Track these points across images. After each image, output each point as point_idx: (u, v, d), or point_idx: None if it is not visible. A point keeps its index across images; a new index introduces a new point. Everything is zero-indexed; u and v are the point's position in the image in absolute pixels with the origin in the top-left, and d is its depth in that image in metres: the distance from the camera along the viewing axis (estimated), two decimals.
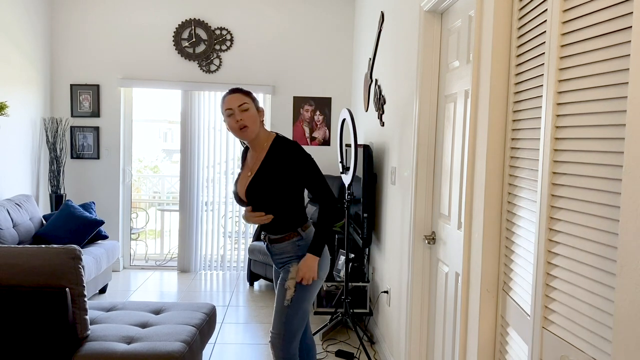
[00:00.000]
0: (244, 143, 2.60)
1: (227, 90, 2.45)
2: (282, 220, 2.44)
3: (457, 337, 2.39)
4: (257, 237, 5.43)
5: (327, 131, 5.86)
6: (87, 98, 5.63)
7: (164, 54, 5.68)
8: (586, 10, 1.26)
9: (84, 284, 2.49)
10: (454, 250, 2.44)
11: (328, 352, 3.74)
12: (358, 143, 4.78)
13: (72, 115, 5.63)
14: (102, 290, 4.96)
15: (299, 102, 5.82)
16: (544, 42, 1.49)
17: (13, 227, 4.26)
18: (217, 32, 5.69)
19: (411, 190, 2.93)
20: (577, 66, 1.30)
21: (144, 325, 2.83)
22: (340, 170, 3.97)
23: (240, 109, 2.38)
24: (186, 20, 5.66)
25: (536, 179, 1.54)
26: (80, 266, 2.47)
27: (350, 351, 3.72)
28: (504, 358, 1.77)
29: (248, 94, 2.44)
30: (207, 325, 2.97)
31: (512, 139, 1.77)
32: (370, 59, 4.43)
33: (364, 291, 4.23)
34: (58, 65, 5.61)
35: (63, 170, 5.54)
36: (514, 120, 1.76)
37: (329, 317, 4.30)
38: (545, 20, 1.48)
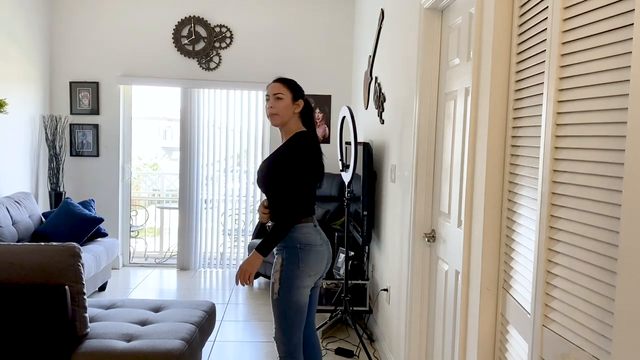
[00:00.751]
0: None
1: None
2: (277, 211, 2.47)
3: (457, 335, 2.39)
4: (256, 235, 5.43)
5: (327, 129, 5.86)
6: (87, 95, 5.62)
7: (163, 51, 5.67)
8: (587, 8, 1.26)
9: (84, 282, 2.49)
10: (454, 248, 2.44)
11: (328, 349, 3.74)
12: (358, 141, 4.77)
13: (71, 113, 5.63)
14: (102, 288, 4.96)
15: None
16: (545, 40, 1.49)
17: (12, 224, 4.25)
18: (217, 29, 5.68)
19: (411, 188, 2.93)
20: (579, 64, 1.30)
21: (143, 323, 2.83)
22: (340, 168, 3.97)
23: (275, 97, 2.47)
24: (186, 17, 5.64)
25: (537, 176, 1.54)
26: (79, 264, 2.47)
27: (349, 349, 3.73)
28: (504, 357, 1.77)
29: (289, 85, 2.50)
30: (206, 322, 2.97)
31: (513, 136, 1.76)
32: (370, 56, 4.42)
33: (364, 289, 4.22)
34: (57, 63, 5.60)
35: (62, 168, 5.54)
36: (514, 118, 1.76)
37: (328, 315, 4.30)
38: (546, 18, 1.48)
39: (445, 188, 2.61)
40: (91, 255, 4.39)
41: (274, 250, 2.52)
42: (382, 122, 3.87)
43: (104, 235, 4.97)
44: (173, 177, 7.78)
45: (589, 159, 1.24)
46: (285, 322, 2.41)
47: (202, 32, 5.67)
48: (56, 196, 5.40)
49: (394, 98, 3.50)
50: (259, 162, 5.88)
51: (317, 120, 5.84)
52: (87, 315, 2.54)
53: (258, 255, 2.41)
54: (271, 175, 2.44)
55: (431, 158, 2.83)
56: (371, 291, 4.23)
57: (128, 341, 2.58)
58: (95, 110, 5.63)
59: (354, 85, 5.66)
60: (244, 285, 2.46)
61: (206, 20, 5.65)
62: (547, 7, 1.48)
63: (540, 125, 1.51)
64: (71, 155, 5.66)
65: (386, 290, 3.62)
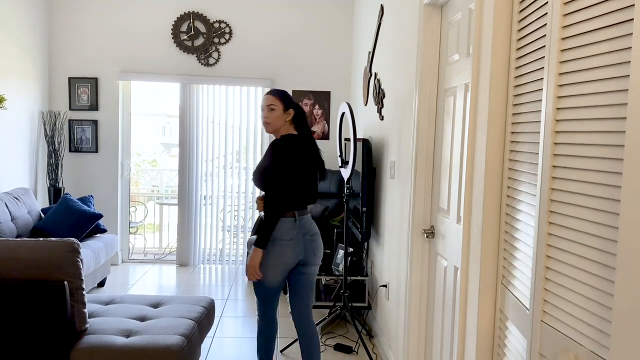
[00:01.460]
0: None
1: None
2: (267, 204, 2.66)
3: (455, 331, 2.40)
4: (255, 231, 5.43)
5: (326, 125, 5.85)
6: (86, 91, 5.61)
7: (162, 47, 5.66)
8: (587, 3, 1.25)
9: (83, 277, 2.49)
10: (453, 244, 2.44)
11: (327, 345, 3.75)
12: (357, 137, 4.77)
13: (70, 109, 5.62)
14: (101, 284, 4.96)
15: (298, 96, 5.80)
16: (545, 35, 1.48)
17: (11, 220, 4.25)
18: (216, 25, 5.67)
19: (410, 184, 2.93)
20: (578, 59, 1.29)
21: (142, 319, 2.83)
22: (339, 164, 3.96)
23: (268, 108, 2.80)
24: (185, 13, 5.63)
25: (536, 172, 1.53)
26: (78, 259, 2.47)
27: (349, 345, 3.73)
28: (503, 352, 1.78)
29: (281, 96, 2.81)
30: (205, 318, 2.97)
31: (512, 132, 1.76)
32: (369, 52, 4.41)
33: (363, 285, 4.23)
34: (56, 58, 5.58)
35: (61, 164, 5.53)
36: (514, 114, 1.75)
37: (327, 310, 4.31)
38: (546, 13, 1.47)
39: (444, 184, 2.61)
40: (90, 251, 4.39)
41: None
42: (382, 118, 3.87)
43: (103, 231, 4.97)
44: (172, 173, 7.77)
45: (588, 154, 1.24)
46: (262, 299, 2.80)
47: (201, 27, 5.66)
48: (55, 192, 5.39)
49: (393, 94, 3.50)
50: (258, 159, 5.89)
51: (317, 117, 5.84)
52: (86, 310, 2.54)
53: (257, 249, 2.65)
54: (262, 174, 2.69)
55: (430, 154, 2.83)
56: (370, 287, 4.23)
57: (127, 337, 2.58)
58: (94, 106, 5.62)
59: (353, 81, 5.65)
60: (256, 280, 2.71)
61: (205, 16, 5.64)
62: (547, 2, 1.47)
63: (540, 121, 1.51)
64: (70, 151, 5.65)
65: (385, 286, 3.63)
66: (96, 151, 5.67)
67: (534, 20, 1.58)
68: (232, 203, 5.94)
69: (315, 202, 3.20)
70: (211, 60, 5.70)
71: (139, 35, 5.64)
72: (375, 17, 4.27)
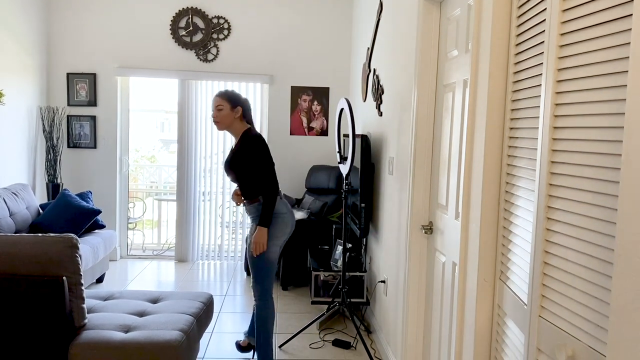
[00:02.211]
0: None
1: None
2: (249, 190, 3.09)
3: (453, 326, 2.40)
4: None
5: (325, 121, 5.85)
6: (84, 87, 5.60)
7: (161, 42, 5.65)
8: None
9: (81, 273, 2.49)
10: (451, 240, 2.45)
11: (325, 341, 3.76)
12: (356, 133, 4.76)
13: (68, 104, 5.61)
14: (100, 280, 4.96)
15: (296, 92, 5.79)
16: (544, 31, 1.48)
17: (10, 216, 4.25)
18: (215, 20, 5.65)
19: (409, 180, 2.93)
20: (577, 54, 1.29)
21: (141, 314, 2.83)
22: (338, 160, 3.96)
23: (216, 109, 3.08)
24: (183, 8, 5.62)
25: (534, 168, 1.54)
26: (77, 255, 2.47)
27: (347, 340, 3.74)
28: (501, 347, 1.78)
29: (226, 96, 3.10)
30: (204, 314, 2.98)
31: (511, 128, 1.76)
32: (368, 48, 4.41)
33: (361, 281, 4.24)
34: (54, 54, 5.57)
35: (60, 160, 5.53)
36: (512, 110, 1.75)
37: (326, 306, 4.32)
38: (545, 9, 1.47)
39: (442, 180, 2.62)
40: (89, 247, 4.39)
41: (251, 218, 3.19)
42: (381, 114, 3.86)
43: (102, 227, 4.96)
44: (171, 169, 7.77)
45: (586, 150, 1.24)
46: (260, 275, 3.07)
47: (200, 23, 5.64)
48: (53, 188, 5.39)
49: (392, 90, 3.49)
50: None
51: (315, 113, 5.83)
52: (84, 306, 2.55)
53: (262, 228, 2.99)
54: (242, 166, 3.06)
55: (429, 150, 2.83)
56: (369, 283, 4.24)
57: (126, 332, 2.58)
58: (92, 102, 5.61)
59: (352, 77, 5.65)
60: (261, 252, 3.02)
61: (204, 12, 5.63)
62: None
63: (538, 117, 1.51)
64: (68, 146, 5.64)
65: (383, 282, 3.63)
66: (95, 147, 5.67)
67: (533, 16, 1.58)
68: (231, 199, 5.93)
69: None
70: (210, 56, 5.69)
71: (138, 31, 5.62)
72: (374, 13, 4.26)
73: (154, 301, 3.05)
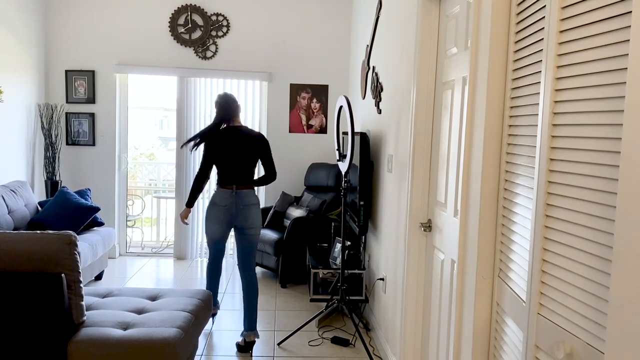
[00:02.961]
0: None
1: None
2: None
3: (452, 324, 2.40)
4: None
5: (324, 119, 5.85)
6: (83, 84, 5.59)
7: (159, 40, 5.64)
8: None
9: (80, 270, 2.49)
10: (450, 238, 2.45)
11: (324, 338, 3.76)
12: (355, 131, 4.76)
13: (67, 102, 5.60)
14: (98, 277, 4.96)
15: (295, 90, 5.79)
16: (543, 28, 1.48)
17: (8, 213, 4.24)
18: (214, 17, 5.64)
19: (408, 177, 2.93)
20: (577, 52, 1.29)
21: (140, 312, 2.83)
22: (337, 158, 3.96)
23: None
24: (182, 5, 5.61)
25: (533, 165, 1.54)
26: (75, 252, 2.46)
27: (346, 338, 3.74)
28: (499, 345, 1.78)
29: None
30: (202, 311, 2.98)
31: (510, 125, 1.76)
32: (367, 46, 4.40)
33: (360, 278, 4.24)
34: (53, 51, 5.56)
35: (58, 157, 5.52)
36: (511, 107, 1.75)
37: (325, 304, 4.32)
38: (545, 6, 1.47)
39: (441, 178, 2.62)
40: (87, 244, 4.39)
41: None
42: (380, 111, 3.86)
43: (101, 224, 4.96)
44: (169, 166, 7.76)
45: (586, 147, 1.24)
46: (207, 241, 3.76)
47: (199, 20, 5.63)
48: (52, 185, 5.38)
49: (391, 88, 3.49)
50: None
51: (314, 110, 5.83)
52: (83, 303, 2.55)
53: (186, 208, 3.76)
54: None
55: (428, 148, 2.83)
56: (367, 280, 4.24)
57: (124, 329, 2.58)
58: (91, 99, 5.61)
59: (351, 75, 5.64)
60: (184, 223, 3.81)
61: (203, 9, 5.62)
62: None
63: (538, 114, 1.51)
64: (67, 144, 5.63)
65: (382, 279, 3.63)
66: (93, 144, 5.66)
67: (533, 13, 1.58)
68: None
69: (250, 182, 3.60)
70: (208, 54, 5.68)
71: (136, 28, 5.61)
72: (373, 10, 4.25)
73: (153, 298, 3.05)
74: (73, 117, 5.61)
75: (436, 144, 2.74)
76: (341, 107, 3.95)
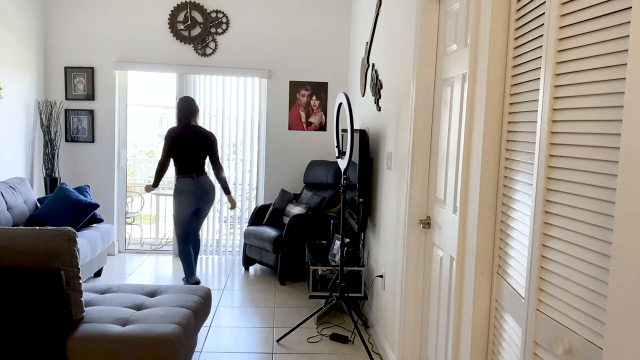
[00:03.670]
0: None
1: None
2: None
3: (451, 320, 2.41)
4: (252, 222, 5.43)
5: (324, 116, 5.84)
6: (82, 81, 5.58)
7: (159, 37, 5.63)
8: None
9: (79, 266, 2.49)
10: (449, 235, 2.45)
11: (323, 335, 3.76)
12: (354, 128, 4.75)
13: (66, 98, 5.59)
14: (97, 274, 4.96)
15: (295, 87, 5.79)
16: (543, 24, 1.48)
17: (7, 209, 4.24)
18: (213, 14, 5.63)
19: (407, 175, 2.93)
20: (576, 47, 1.29)
21: (139, 308, 2.83)
22: (337, 155, 3.96)
23: None
24: (182, 2, 5.60)
25: (533, 162, 1.54)
26: (75, 248, 2.46)
27: (344, 335, 3.75)
28: (498, 341, 1.79)
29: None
30: (202, 308, 2.98)
31: (509, 122, 1.76)
32: (367, 43, 4.40)
33: (359, 275, 4.24)
34: (52, 48, 5.55)
35: (57, 154, 5.51)
36: (511, 104, 1.75)
37: (323, 301, 4.32)
38: (544, 2, 1.47)
39: (441, 175, 2.62)
40: (86, 241, 4.38)
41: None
42: (379, 109, 3.86)
43: (100, 221, 4.96)
44: None
45: (585, 143, 1.24)
46: (175, 225, 4.56)
47: (198, 17, 5.62)
48: (51, 182, 5.38)
49: (391, 85, 3.49)
50: (256, 151, 5.89)
51: (314, 108, 5.82)
52: (82, 299, 2.55)
53: (151, 185, 4.59)
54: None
55: (427, 145, 2.83)
56: (366, 277, 4.24)
57: (123, 325, 2.58)
58: (90, 96, 5.60)
59: (350, 72, 5.64)
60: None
61: (202, 6, 5.61)
62: None
63: (537, 111, 1.51)
64: (66, 141, 5.63)
65: (381, 276, 3.64)
66: (92, 141, 5.65)
67: (532, 10, 1.58)
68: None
69: (203, 171, 4.55)
70: (208, 51, 5.67)
71: (136, 25, 5.60)
72: (373, 8, 4.25)
73: (152, 295, 3.05)
74: (72, 114, 5.61)
75: (435, 141, 2.74)
76: (341, 104, 3.95)
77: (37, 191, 5.49)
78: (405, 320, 2.94)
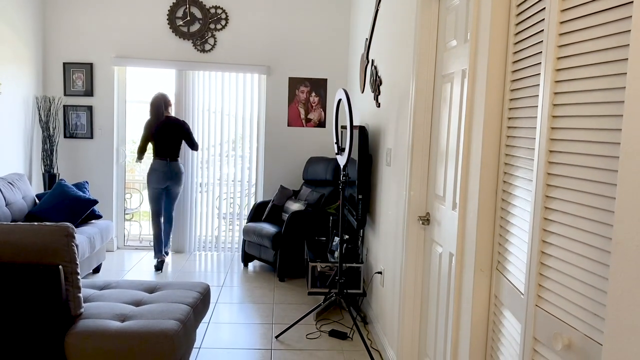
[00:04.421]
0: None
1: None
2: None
3: (450, 317, 2.41)
4: (251, 219, 5.43)
5: (323, 113, 5.83)
6: (81, 77, 5.57)
7: (158, 32, 5.61)
8: None
9: (77, 262, 2.49)
10: (448, 231, 2.45)
11: (322, 332, 3.76)
12: (354, 124, 4.75)
13: (65, 94, 5.57)
14: (96, 270, 4.96)
15: (294, 83, 5.77)
16: (543, 20, 1.48)
17: (6, 205, 4.23)
18: (212, 10, 5.62)
19: (406, 171, 2.92)
20: (577, 43, 1.29)
21: (138, 304, 2.83)
22: (336, 151, 3.95)
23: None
24: None
25: (532, 157, 1.53)
26: (73, 244, 2.46)
27: (343, 331, 3.75)
28: (497, 337, 1.79)
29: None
30: (201, 304, 2.98)
31: (509, 118, 1.76)
32: (366, 39, 4.39)
33: (358, 272, 4.24)
34: (51, 43, 5.53)
35: (56, 150, 5.50)
36: (511, 100, 1.75)
37: (322, 297, 4.32)
38: None
39: (440, 171, 2.61)
40: (85, 237, 4.38)
41: None
42: (378, 105, 3.85)
43: (99, 217, 4.95)
44: None
45: (585, 139, 1.24)
46: (149, 201, 5.17)
47: (197, 13, 5.61)
48: (50, 178, 5.37)
49: (390, 81, 3.48)
50: (255, 147, 5.88)
51: (313, 104, 5.81)
52: (81, 295, 2.54)
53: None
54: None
55: (427, 141, 2.83)
56: (365, 274, 4.24)
57: (122, 321, 2.58)
58: (89, 92, 5.58)
59: (350, 68, 5.63)
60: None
61: (201, 2, 5.59)
62: None
63: (537, 106, 1.50)
64: (65, 136, 5.62)
65: (380, 273, 3.64)
66: (91, 137, 5.64)
67: (533, 5, 1.57)
68: (228, 190, 5.93)
69: (178, 156, 5.15)
70: (207, 47, 5.66)
71: (135, 21, 5.58)
72: (372, 3, 4.24)
73: (151, 291, 3.05)
74: (71, 110, 5.59)
75: (435, 138, 2.73)
76: (340, 100, 3.94)
77: (35, 187, 5.48)
78: (404, 316, 2.94)
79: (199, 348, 3.46)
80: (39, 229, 2.44)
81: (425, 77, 2.78)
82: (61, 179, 4.80)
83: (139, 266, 5.28)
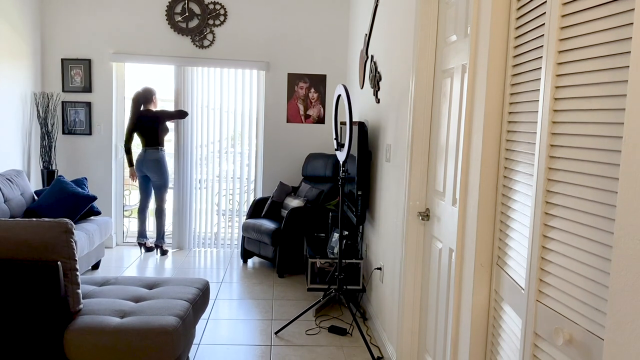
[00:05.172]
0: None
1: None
2: None
3: (450, 312, 2.40)
4: (250, 215, 5.42)
5: (322, 109, 5.82)
6: (79, 73, 5.55)
7: (156, 28, 5.59)
8: None
9: (76, 258, 2.48)
10: (448, 227, 2.44)
11: (321, 327, 3.76)
12: (353, 120, 4.74)
13: (63, 90, 5.56)
14: (95, 267, 4.95)
15: (293, 79, 5.76)
16: (544, 13, 1.47)
17: (4, 202, 4.22)
18: (211, 6, 5.60)
19: (406, 167, 2.92)
20: (578, 36, 1.28)
21: (137, 300, 2.82)
22: (335, 147, 3.95)
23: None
24: None
25: (533, 152, 1.53)
26: (72, 240, 2.45)
27: (343, 327, 3.75)
28: (498, 332, 1.78)
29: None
30: (200, 300, 2.97)
31: (510, 112, 1.75)
32: (366, 34, 4.37)
33: (358, 268, 4.24)
34: (49, 39, 5.51)
35: (55, 146, 5.49)
36: (511, 94, 1.74)
37: (322, 293, 4.32)
38: None
39: (440, 167, 2.61)
40: (84, 234, 4.37)
41: None
42: (378, 101, 3.84)
43: (97, 213, 4.94)
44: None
45: (587, 133, 1.23)
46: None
47: (196, 9, 5.59)
48: (48, 174, 5.36)
49: (390, 77, 3.47)
50: (254, 143, 5.87)
51: (312, 100, 5.80)
52: (80, 291, 2.54)
53: (129, 168, 5.46)
54: None
55: (426, 137, 2.82)
56: (365, 270, 4.24)
57: (121, 317, 2.58)
58: (87, 88, 5.57)
59: (349, 64, 5.61)
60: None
61: None
62: None
63: (538, 101, 1.50)
64: (63, 133, 5.60)
65: (380, 269, 3.63)
66: (90, 134, 5.63)
67: None
68: (227, 187, 5.92)
69: (158, 144, 5.46)
70: (206, 42, 5.64)
71: (133, 17, 5.56)
72: None
73: (150, 287, 3.04)
74: (69, 106, 5.58)
75: (435, 133, 2.73)
76: (339, 96, 3.93)
77: (34, 183, 5.47)
78: (404, 312, 2.93)
79: (199, 344, 3.46)
80: (37, 225, 2.43)
81: (425, 73, 2.77)
82: (60, 176, 4.79)
83: (138, 263, 5.28)
